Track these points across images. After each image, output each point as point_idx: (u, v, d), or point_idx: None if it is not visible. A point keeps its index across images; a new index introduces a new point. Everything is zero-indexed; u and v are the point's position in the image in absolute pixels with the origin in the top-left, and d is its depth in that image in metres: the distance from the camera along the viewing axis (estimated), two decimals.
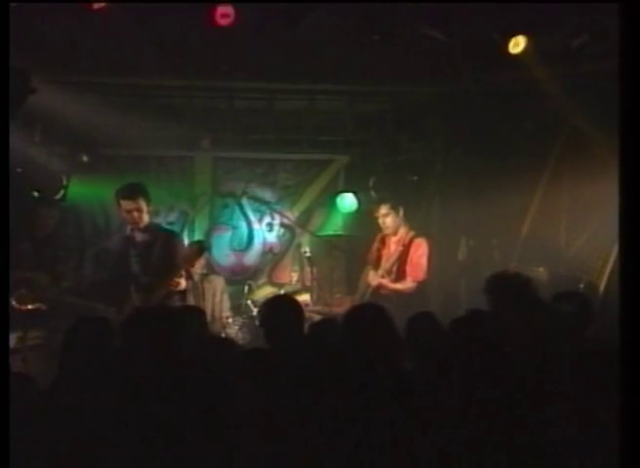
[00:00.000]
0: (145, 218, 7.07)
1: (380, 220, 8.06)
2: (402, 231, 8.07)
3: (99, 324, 4.38)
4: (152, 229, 7.18)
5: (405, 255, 7.93)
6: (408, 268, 7.92)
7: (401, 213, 8.05)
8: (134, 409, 3.58)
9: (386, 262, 7.99)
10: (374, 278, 7.91)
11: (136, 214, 6.99)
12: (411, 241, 8.01)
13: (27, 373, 5.52)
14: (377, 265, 8.05)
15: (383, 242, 8.16)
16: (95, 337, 4.10)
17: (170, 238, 7.23)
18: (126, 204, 7.00)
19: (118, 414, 3.60)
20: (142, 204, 7.02)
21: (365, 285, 8.11)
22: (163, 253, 7.03)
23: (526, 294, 5.14)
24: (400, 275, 7.94)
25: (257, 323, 6.32)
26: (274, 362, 4.19)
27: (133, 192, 7.06)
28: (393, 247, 8.07)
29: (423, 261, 7.96)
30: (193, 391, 3.48)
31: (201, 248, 7.07)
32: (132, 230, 7.13)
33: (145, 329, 4.03)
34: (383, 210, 8.03)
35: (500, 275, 5.63)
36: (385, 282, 7.87)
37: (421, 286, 7.96)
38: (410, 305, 7.62)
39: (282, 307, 5.24)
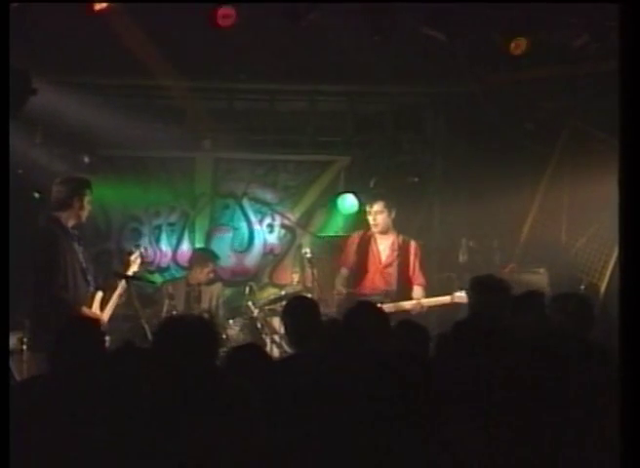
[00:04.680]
0: None
1: (372, 217, 7.74)
2: (393, 233, 7.84)
3: (90, 323, 4.37)
4: None
5: (405, 260, 7.70)
6: (413, 277, 7.72)
7: (393, 214, 7.78)
8: (131, 411, 3.59)
9: (378, 264, 7.75)
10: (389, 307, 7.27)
11: None
12: (406, 244, 7.81)
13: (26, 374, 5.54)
14: (360, 268, 7.76)
15: (368, 241, 7.84)
16: (87, 337, 4.06)
17: None
18: None
19: (114, 416, 3.60)
20: None
21: (339, 290, 7.73)
22: None
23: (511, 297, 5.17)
24: (402, 281, 7.72)
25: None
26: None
27: None
28: (385, 248, 7.81)
29: (420, 266, 7.81)
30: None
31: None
32: None
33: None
34: (378, 207, 7.72)
35: (487, 277, 5.61)
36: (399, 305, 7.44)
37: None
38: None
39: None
